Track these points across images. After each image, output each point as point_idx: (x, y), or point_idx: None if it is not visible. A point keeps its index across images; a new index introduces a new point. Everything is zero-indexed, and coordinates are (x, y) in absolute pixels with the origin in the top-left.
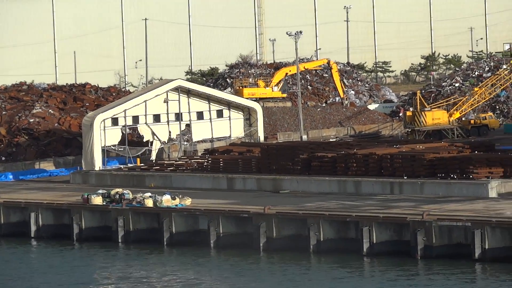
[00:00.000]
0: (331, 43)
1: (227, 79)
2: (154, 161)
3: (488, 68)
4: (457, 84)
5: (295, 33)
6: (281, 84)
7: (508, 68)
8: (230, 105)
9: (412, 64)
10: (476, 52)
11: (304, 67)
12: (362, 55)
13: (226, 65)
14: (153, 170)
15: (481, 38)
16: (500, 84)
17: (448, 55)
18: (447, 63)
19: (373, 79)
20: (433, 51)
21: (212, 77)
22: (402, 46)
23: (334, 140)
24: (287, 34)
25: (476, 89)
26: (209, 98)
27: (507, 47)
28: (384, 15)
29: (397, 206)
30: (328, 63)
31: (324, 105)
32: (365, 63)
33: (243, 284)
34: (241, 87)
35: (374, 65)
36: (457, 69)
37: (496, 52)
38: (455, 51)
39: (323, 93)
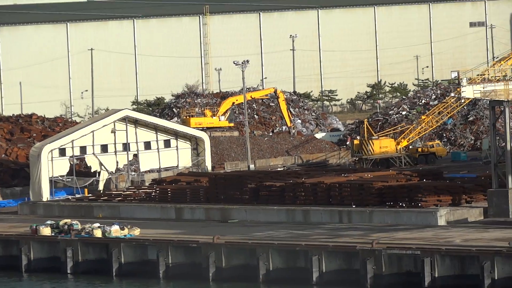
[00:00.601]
0: (277, 72)
1: (174, 109)
2: (102, 192)
3: (435, 96)
4: (404, 112)
5: (242, 62)
6: (228, 113)
7: (456, 96)
8: (177, 135)
9: (358, 92)
10: (422, 80)
11: (251, 96)
12: (308, 84)
13: (172, 95)
14: (101, 201)
15: (427, 66)
16: (447, 112)
17: (394, 83)
18: (393, 91)
19: (319, 108)
20: (379, 80)
21: (158, 107)
22: (348, 74)
23: (282, 169)
24: (234, 63)
25: (423, 117)
26: (156, 128)
27: (454, 75)
28: (329, 44)
29: (346, 234)
30: (275, 92)
31: (271, 134)
32: (311, 92)
33: None
34: (188, 117)
35: (320, 94)
36: (403, 97)
37: (442, 80)
38: (401, 79)
39: (270, 122)
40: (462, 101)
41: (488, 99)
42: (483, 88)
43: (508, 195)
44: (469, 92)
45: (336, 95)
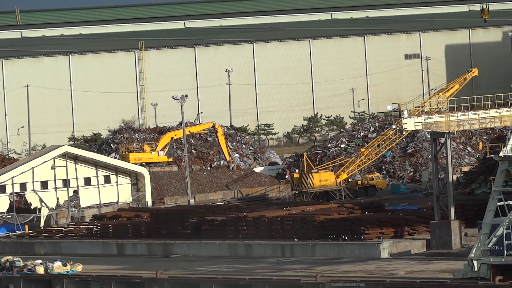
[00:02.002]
0: (213, 106)
1: (111, 145)
2: (42, 228)
3: (373, 129)
4: (342, 145)
5: (181, 97)
6: (167, 148)
7: (397, 128)
8: (117, 170)
9: (294, 126)
10: (358, 113)
11: (189, 131)
12: (245, 117)
13: (109, 131)
14: (42, 237)
15: (363, 99)
16: (386, 145)
17: (330, 116)
18: (330, 124)
19: (256, 142)
20: (315, 113)
21: (95, 143)
22: (284, 108)
23: (222, 203)
24: (173, 98)
25: (362, 149)
26: (96, 164)
27: (389, 107)
28: (265, 77)
29: (289, 268)
30: (214, 126)
31: (209, 168)
32: (247, 125)
33: None
34: (127, 152)
35: (257, 128)
36: (342, 130)
37: (378, 113)
38: (337, 112)
39: (208, 156)
40: (403, 133)
41: (429, 131)
42: (425, 120)
43: (450, 227)
44: (410, 124)
45: (273, 128)
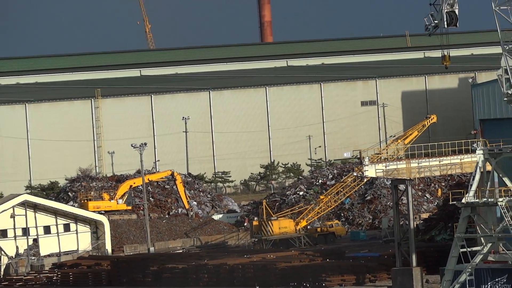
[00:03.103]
0: (170, 154)
1: (69, 193)
2: (2, 277)
3: (331, 176)
4: (301, 193)
5: (139, 145)
6: (126, 196)
7: (358, 175)
8: (77, 218)
9: (251, 173)
10: (315, 160)
11: (148, 179)
12: (202, 165)
13: (66, 179)
14: (2, 286)
15: (319, 146)
16: (345, 192)
17: (287, 163)
18: (287, 171)
19: (213, 190)
20: (272, 160)
21: (53, 191)
22: (241, 155)
23: (182, 251)
24: (132, 146)
25: (322, 197)
26: (56, 212)
27: (346, 155)
28: (222, 125)
29: None
30: (172, 174)
31: (167, 216)
32: (204, 173)
33: None
34: (86, 201)
35: (214, 176)
36: (300, 177)
37: (334, 160)
38: (294, 159)
39: (166, 204)
40: (364, 180)
41: (390, 178)
42: (386, 167)
43: (412, 274)
44: (371, 171)
45: (230, 176)
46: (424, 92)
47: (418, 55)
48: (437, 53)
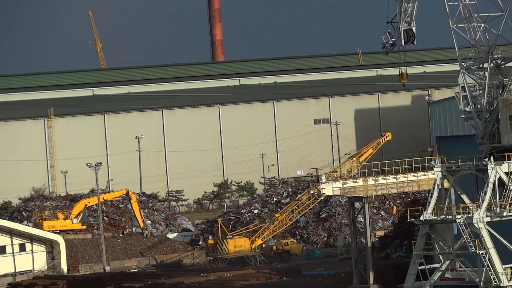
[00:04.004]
0: (124, 174)
1: (23, 213)
2: None
3: (286, 194)
4: (256, 211)
5: (95, 165)
6: (81, 216)
7: (315, 193)
8: (32, 238)
9: (205, 192)
10: (268, 178)
11: (103, 198)
12: (155, 184)
13: (19, 199)
14: None
15: (272, 164)
16: (300, 210)
17: (241, 182)
18: (240, 190)
19: (166, 208)
20: (225, 179)
21: (6, 211)
22: (194, 174)
23: (137, 270)
24: (87, 165)
25: (277, 215)
26: (11, 232)
27: (299, 173)
28: (175, 144)
29: None
30: (127, 193)
31: (121, 235)
32: (158, 192)
33: None
34: (40, 220)
35: (167, 194)
36: (255, 195)
37: (288, 178)
38: (247, 177)
39: (120, 223)
40: (321, 198)
41: (347, 196)
42: (343, 185)
43: None
44: (328, 189)
45: (183, 195)
46: (377, 109)
47: (371, 73)
48: (389, 71)
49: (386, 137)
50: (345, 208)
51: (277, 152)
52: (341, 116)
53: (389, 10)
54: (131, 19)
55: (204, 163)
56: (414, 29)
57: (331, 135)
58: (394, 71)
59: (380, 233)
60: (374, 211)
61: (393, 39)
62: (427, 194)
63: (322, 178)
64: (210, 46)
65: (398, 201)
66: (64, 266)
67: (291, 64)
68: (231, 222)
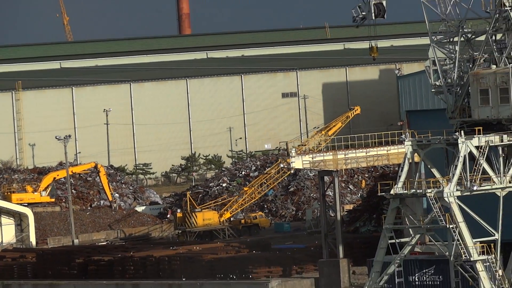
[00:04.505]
0: (91, 147)
1: None
2: None
3: (254, 168)
4: (224, 184)
5: (64, 137)
6: (49, 189)
7: (285, 166)
8: (0, 211)
9: (172, 165)
10: (236, 152)
11: (72, 171)
12: (123, 157)
13: None
14: None
15: (240, 138)
16: (269, 184)
17: (208, 155)
18: (208, 163)
19: (134, 182)
20: (193, 152)
21: None
22: (162, 147)
23: (106, 243)
24: (56, 138)
25: (245, 188)
26: None
27: (267, 146)
28: (143, 117)
29: None
30: (96, 166)
31: (89, 208)
32: (125, 165)
33: None
34: (9, 193)
35: (135, 168)
36: (223, 169)
37: (255, 151)
38: (215, 151)
39: (88, 196)
40: (292, 171)
41: (317, 169)
42: (312, 158)
43: (339, 265)
44: (298, 163)
45: (151, 168)
46: (345, 83)
47: (338, 46)
48: (357, 45)
49: (355, 111)
50: (313, 182)
51: (244, 126)
52: (309, 90)
53: None
54: None
55: (171, 137)
56: (384, 3)
57: (299, 109)
58: (362, 45)
59: (349, 207)
60: (343, 185)
61: (364, 13)
62: (396, 168)
63: (292, 151)
64: (177, 20)
65: (366, 175)
66: (32, 239)
67: (258, 38)
68: (200, 196)
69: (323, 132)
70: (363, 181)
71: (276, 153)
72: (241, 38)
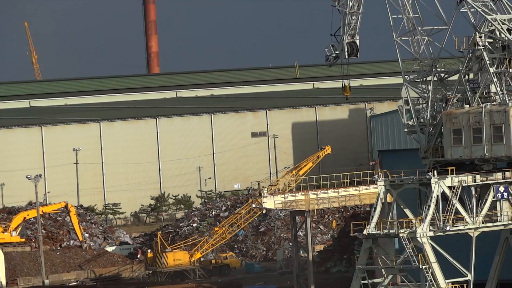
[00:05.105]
0: (61, 186)
1: None
2: None
3: (225, 208)
4: (195, 224)
5: (34, 177)
6: (20, 228)
7: (257, 206)
8: None
9: (142, 205)
10: (206, 192)
11: (42, 211)
12: (92, 197)
13: None
14: None
15: (210, 178)
16: (239, 224)
17: (178, 195)
18: (177, 203)
19: (103, 221)
20: (162, 192)
21: None
22: (131, 187)
23: (76, 283)
24: (26, 178)
25: (216, 228)
26: None
27: (236, 186)
28: (113, 157)
29: None
30: (66, 206)
31: (59, 248)
32: (95, 205)
33: None
34: None
35: (104, 207)
36: (194, 209)
37: (225, 191)
38: (185, 191)
39: (58, 236)
40: (263, 211)
41: (289, 209)
42: (284, 198)
43: None
44: (270, 203)
45: (120, 208)
46: (315, 123)
47: (308, 86)
48: (326, 84)
49: (326, 150)
50: (284, 222)
51: (214, 165)
52: (279, 129)
53: (333, 22)
54: (67, 30)
55: (141, 176)
56: (357, 42)
57: (269, 149)
58: (331, 84)
59: (320, 247)
60: (314, 225)
61: (337, 52)
62: (367, 208)
63: (264, 191)
64: (145, 58)
65: (337, 215)
66: (2, 279)
67: (228, 77)
68: (170, 236)
69: (294, 172)
70: (334, 221)
71: (246, 193)
72: (211, 77)
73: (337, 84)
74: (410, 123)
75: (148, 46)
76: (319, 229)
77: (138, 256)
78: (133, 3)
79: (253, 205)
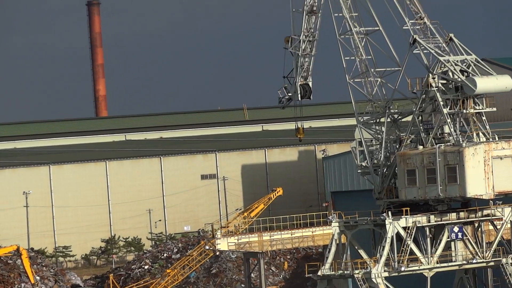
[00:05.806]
0: (11, 229)
1: None
2: None
3: (176, 250)
4: (146, 267)
5: None
6: None
7: (210, 248)
8: None
9: (92, 247)
10: (156, 234)
11: None
12: (42, 240)
13: None
14: None
15: (160, 220)
16: (191, 266)
17: (128, 237)
18: (127, 245)
19: (54, 264)
20: (112, 234)
21: None
22: (81, 230)
23: None
24: None
25: (168, 270)
26: None
27: (186, 228)
28: (62, 199)
29: None
30: (18, 249)
31: None
32: (45, 248)
33: None
34: None
35: (55, 250)
36: (145, 251)
37: (175, 234)
38: (135, 233)
39: (9, 279)
40: (216, 253)
41: (243, 251)
42: (238, 240)
43: None
44: (224, 244)
45: (71, 250)
46: (264, 165)
47: (257, 128)
48: (275, 126)
49: (278, 192)
50: (235, 263)
51: (164, 208)
52: (228, 171)
53: (286, 64)
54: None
55: (91, 219)
56: (310, 83)
57: (218, 191)
58: (280, 126)
59: None
60: (265, 266)
61: (290, 94)
62: (319, 249)
63: (218, 233)
64: (93, 102)
65: (288, 257)
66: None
67: (176, 120)
68: (122, 278)
69: (245, 214)
70: (286, 262)
71: (197, 235)
72: (159, 120)
73: (286, 126)
74: (364, 164)
75: (96, 90)
76: (271, 271)
77: None
78: (80, 46)
79: (206, 247)
